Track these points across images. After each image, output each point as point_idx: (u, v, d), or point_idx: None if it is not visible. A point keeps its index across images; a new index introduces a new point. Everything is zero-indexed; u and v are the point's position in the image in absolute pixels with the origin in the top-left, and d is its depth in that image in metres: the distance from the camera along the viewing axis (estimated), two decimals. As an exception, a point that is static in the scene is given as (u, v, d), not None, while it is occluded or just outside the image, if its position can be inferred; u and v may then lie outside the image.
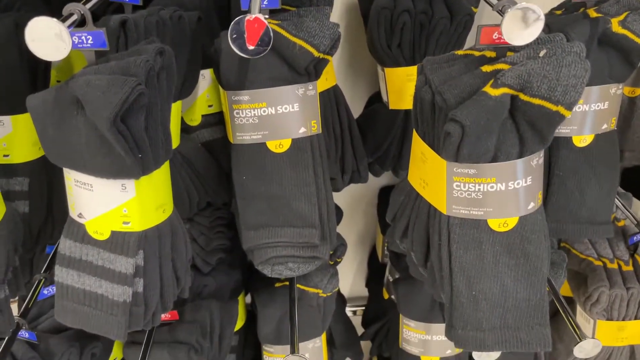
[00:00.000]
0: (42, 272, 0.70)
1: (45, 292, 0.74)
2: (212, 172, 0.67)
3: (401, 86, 0.69)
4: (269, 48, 0.42)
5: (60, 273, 0.52)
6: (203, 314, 0.68)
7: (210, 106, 0.66)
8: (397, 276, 0.87)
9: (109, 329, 0.52)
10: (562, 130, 0.57)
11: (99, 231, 0.50)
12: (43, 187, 0.63)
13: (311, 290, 0.73)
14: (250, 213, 0.58)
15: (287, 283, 0.75)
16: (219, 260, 0.73)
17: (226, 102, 0.56)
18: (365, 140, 0.72)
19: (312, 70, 0.55)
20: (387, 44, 0.66)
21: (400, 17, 0.61)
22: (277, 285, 0.75)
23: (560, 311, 0.58)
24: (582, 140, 0.58)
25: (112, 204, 0.49)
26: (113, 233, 0.50)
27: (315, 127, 0.58)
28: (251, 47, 0.42)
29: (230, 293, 0.76)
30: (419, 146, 0.50)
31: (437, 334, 0.79)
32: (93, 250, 0.51)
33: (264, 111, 0.56)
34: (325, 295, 0.74)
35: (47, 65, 0.64)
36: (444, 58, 0.49)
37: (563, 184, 0.59)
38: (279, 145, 0.57)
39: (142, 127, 0.45)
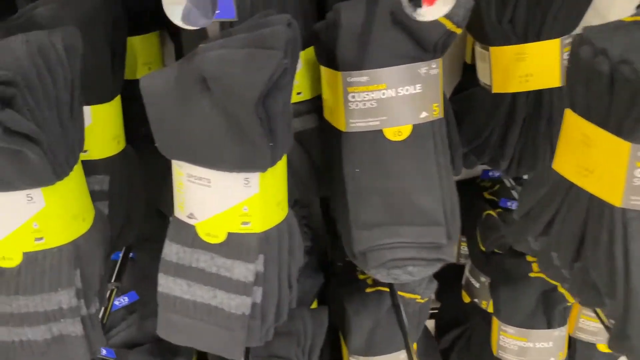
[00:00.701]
0: (112, 280, 0.64)
1: (116, 302, 0.67)
2: (304, 165, 0.60)
3: (509, 66, 0.62)
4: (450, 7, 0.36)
5: (166, 283, 0.46)
6: (297, 323, 0.61)
7: (299, 93, 0.59)
8: (482, 279, 0.81)
9: (225, 346, 0.45)
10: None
11: (213, 233, 0.44)
12: (123, 186, 0.57)
13: (408, 296, 0.66)
14: (364, 210, 0.52)
15: (380, 288, 0.68)
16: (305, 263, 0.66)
17: (339, 86, 0.50)
18: (461, 127, 0.66)
19: (439, 46, 0.48)
20: (497, 19, 0.59)
21: (517, -11, 0.55)
22: (368, 290, 0.68)
23: None
24: (397, 132, 0.50)
25: (231, 202, 0.42)
26: (230, 235, 0.44)
27: (437, 110, 0.51)
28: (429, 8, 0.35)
29: (313, 298, 0.70)
30: (579, 128, 0.44)
31: (539, 340, 0.72)
32: (205, 255, 0.44)
33: (384, 94, 0.49)
34: (422, 301, 0.68)
35: (124, 49, 0.57)
36: (610, 26, 0.43)
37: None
38: (397, 132, 0.50)
39: (280, 111, 0.38)
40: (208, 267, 0.44)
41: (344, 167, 0.52)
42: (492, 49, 0.62)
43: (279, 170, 0.44)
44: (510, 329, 0.73)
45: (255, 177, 0.41)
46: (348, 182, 0.52)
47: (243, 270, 0.43)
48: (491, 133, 0.67)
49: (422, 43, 0.48)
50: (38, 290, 0.43)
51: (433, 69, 0.50)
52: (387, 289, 0.67)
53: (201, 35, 0.48)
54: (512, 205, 0.81)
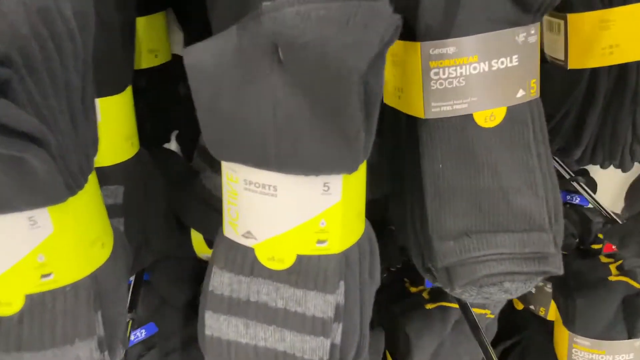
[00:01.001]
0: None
1: (132, 337, 0.56)
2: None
3: (590, 36, 0.52)
4: None
5: (216, 323, 0.35)
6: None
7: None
8: (540, 283, 0.71)
9: (295, 403, 0.35)
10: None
11: (279, 257, 0.33)
12: (140, 197, 0.46)
13: (478, 311, 0.56)
14: (449, 215, 0.42)
15: (443, 304, 0.58)
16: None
17: (416, 60, 0.39)
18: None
19: (544, 6, 0.38)
20: (580, -20, 0.49)
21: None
22: (428, 307, 0.58)
23: None
24: (490, 117, 0.40)
25: (305, 215, 0.32)
26: (301, 259, 0.33)
27: (534, 88, 0.41)
28: None
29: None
30: None
31: (619, 352, 0.63)
32: (269, 286, 0.34)
33: (474, 68, 0.39)
34: (492, 317, 0.58)
35: (133, 28, 0.46)
36: None
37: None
38: (490, 116, 0.40)
39: (380, 90, 0.28)
40: (272, 301, 0.34)
41: (423, 163, 0.41)
42: (570, 16, 0.52)
43: (362, 171, 0.33)
44: (586, 341, 0.64)
45: (337, 181, 0.31)
46: (428, 181, 0.42)
47: (320, 304, 0.33)
48: (564, 117, 0.57)
49: (524, 4, 0.38)
50: (48, 343, 0.32)
51: (532, 35, 0.40)
52: (451, 305, 0.57)
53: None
54: (573, 199, 0.72)
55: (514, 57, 0.39)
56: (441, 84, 0.39)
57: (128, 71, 0.45)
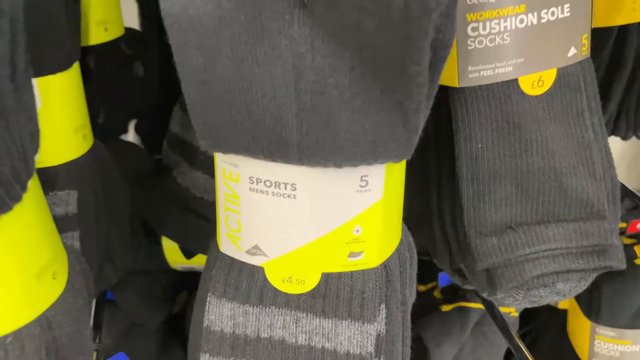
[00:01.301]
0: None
1: (97, 371, 0.46)
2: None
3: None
4: None
5: (216, 370, 0.26)
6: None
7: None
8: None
9: None
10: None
11: (298, 278, 0.25)
12: (99, 203, 0.36)
13: (503, 310, 0.49)
14: (491, 205, 0.34)
15: (461, 304, 0.51)
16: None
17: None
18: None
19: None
20: None
21: None
22: (444, 309, 0.51)
23: None
24: (538, 82, 0.33)
25: (335, 221, 0.23)
26: (328, 278, 0.25)
27: (586, 45, 0.34)
28: None
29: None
30: None
31: (646, 342, 0.58)
32: (286, 316, 0.25)
33: (522, 20, 0.31)
34: (516, 314, 0.51)
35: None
36: None
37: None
38: (538, 81, 0.33)
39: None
40: (292, 337, 0.25)
41: (459, 141, 0.33)
42: (595, -35, 0.45)
43: (404, 164, 0.25)
44: (611, 332, 0.58)
45: (379, 174, 0.23)
46: (464, 163, 0.34)
47: (356, 336, 0.25)
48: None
49: None
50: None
51: (584, -20, 0.32)
52: (470, 304, 0.50)
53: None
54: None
55: (566, 6, 0.32)
56: (481, 42, 0.31)
57: (74, 42, 0.35)
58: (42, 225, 0.25)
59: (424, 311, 0.51)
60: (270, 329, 0.25)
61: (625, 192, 0.60)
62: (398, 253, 0.27)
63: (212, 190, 0.37)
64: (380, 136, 0.20)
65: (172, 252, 0.47)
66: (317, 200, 0.23)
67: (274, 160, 0.22)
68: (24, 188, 0.23)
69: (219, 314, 0.26)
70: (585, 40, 0.34)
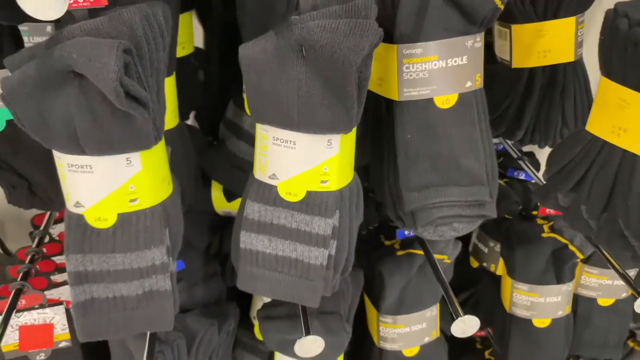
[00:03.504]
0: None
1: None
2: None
3: (529, 43, 0.68)
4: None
5: (248, 239, 0.49)
6: (340, 282, 0.65)
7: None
8: (491, 244, 0.87)
9: (303, 295, 0.49)
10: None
11: (294, 192, 0.48)
12: (181, 157, 0.60)
13: (437, 256, 0.71)
14: (414, 173, 0.56)
15: (411, 251, 0.73)
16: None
17: (393, 58, 0.54)
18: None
19: (486, 21, 0.53)
20: (520, 0, 0.65)
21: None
22: (399, 254, 0.73)
23: None
24: (445, 100, 0.55)
25: (313, 162, 0.46)
26: (309, 193, 0.48)
27: (479, 81, 0.56)
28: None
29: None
30: (615, 93, 0.50)
31: (549, 295, 0.79)
32: (286, 212, 0.48)
33: (435, 64, 0.54)
34: (448, 262, 0.73)
35: (177, 24, 0.60)
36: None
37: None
38: (446, 100, 0.55)
39: (368, 77, 0.43)
40: (288, 223, 0.48)
41: (397, 134, 0.56)
42: (514, 26, 0.68)
43: (353, 133, 0.48)
44: (524, 286, 0.79)
45: (336, 139, 0.46)
46: (400, 147, 0.56)
47: (322, 225, 0.48)
48: (509, 105, 0.73)
49: (471, 18, 0.53)
50: (133, 247, 0.46)
51: (477, 42, 0.55)
52: (416, 252, 0.72)
53: (268, 12, 0.52)
54: (519, 175, 0.88)
55: (464, 57, 0.54)
56: (410, 75, 0.54)
57: (174, 58, 0.59)
58: (165, 157, 0.48)
59: (385, 255, 0.74)
60: (278, 219, 0.48)
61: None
62: (349, 187, 0.50)
63: (249, 153, 0.60)
64: (335, 120, 0.43)
65: (217, 199, 0.71)
66: (305, 150, 0.46)
67: (285, 129, 0.45)
68: (162, 135, 0.46)
69: (252, 210, 0.49)
70: (478, 78, 0.56)
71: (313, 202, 0.48)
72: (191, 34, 0.75)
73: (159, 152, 0.47)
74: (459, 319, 0.57)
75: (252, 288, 0.50)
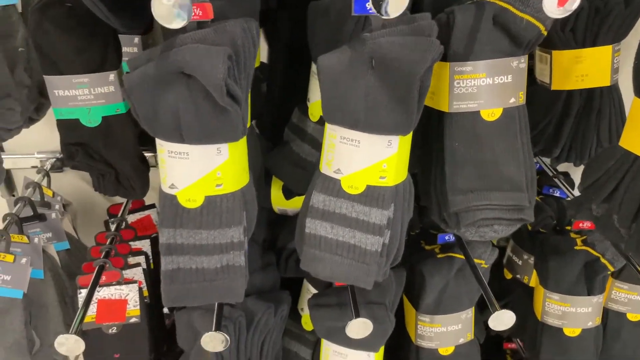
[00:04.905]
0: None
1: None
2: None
3: (568, 68, 0.74)
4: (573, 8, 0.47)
5: (313, 225, 0.56)
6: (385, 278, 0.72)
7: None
8: (525, 256, 0.92)
9: (358, 277, 0.56)
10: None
11: (355, 185, 0.55)
12: (252, 155, 0.67)
13: (476, 261, 0.77)
14: (460, 178, 0.63)
15: (450, 254, 0.79)
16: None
17: (445, 74, 0.61)
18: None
19: (530, 45, 0.60)
20: (561, 28, 0.71)
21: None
22: (439, 256, 0.79)
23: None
24: (491, 114, 0.61)
25: (374, 159, 0.53)
26: (369, 187, 0.55)
27: (522, 98, 0.63)
28: (559, 8, 0.47)
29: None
30: (646, 111, 0.55)
31: (580, 306, 0.83)
32: (347, 203, 0.55)
33: (483, 81, 0.60)
34: (485, 267, 0.79)
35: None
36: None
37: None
38: (491, 113, 0.62)
39: (428, 87, 0.50)
40: (349, 213, 0.55)
41: (446, 142, 0.63)
42: (554, 52, 0.74)
43: (409, 137, 0.55)
44: (556, 296, 0.84)
45: (396, 140, 0.53)
46: (448, 154, 0.63)
47: (379, 216, 0.54)
48: (547, 125, 0.79)
49: (517, 41, 0.59)
50: (217, 225, 0.54)
51: (522, 63, 0.61)
52: (456, 255, 0.78)
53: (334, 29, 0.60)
54: (554, 192, 0.93)
55: (509, 76, 0.61)
56: (460, 90, 0.61)
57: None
58: (246, 150, 0.56)
59: (426, 257, 0.80)
60: (340, 209, 0.55)
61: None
62: (403, 184, 0.56)
63: (312, 155, 0.68)
64: (396, 123, 0.50)
65: (276, 197, 0.78)
66: (368, 148, 0.53)
67: (352, 129, 0.52)
68: (245, 132, 0.54)
69: (317, 200, 0.56)
70: (521, 95, 0.62)
71: (372, 195, 0.54)
72: (258, 50, 0.83)
73: (243, 145, 0.54)
74: (495, 312, 0.63)
75: (313, 268, 0.57)
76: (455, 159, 0.63)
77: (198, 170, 0.52)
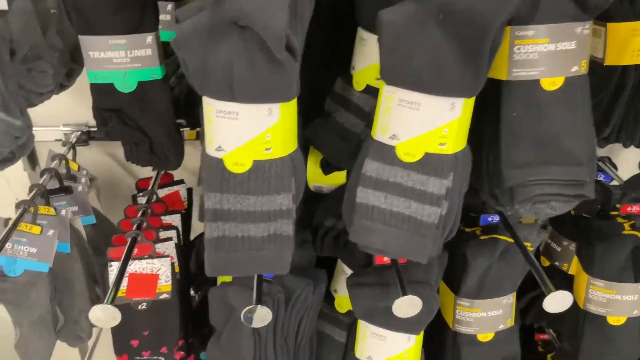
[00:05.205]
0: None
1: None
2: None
3: (624, 41, 0.70)
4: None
5: (364, 194, 0.53)
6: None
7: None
8: (564, 243, 0.88)
9: (413, 250, 0.53)
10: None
11: (412, 153, 0.51)
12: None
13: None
14: (516, 151, 0.59)
15: (494, 236, 0.76)
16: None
17: (505, 39, 0.57)
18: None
19: (597, 9, 0.56)
20: (619, -1, 0.67)
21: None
22: (482, 237, 0.76)
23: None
24: (552, 83, 0.57)
25: (435, 124, 0.50)
26: (427, 155, 0.51)
27: (584, 66, 0.59)
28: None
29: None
30: None
31: (626, 293, 0.80)
32: (402, 172, 0.52)
33: (545, 47, 0.57)
34: (532, 249, 0.75)
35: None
36: None
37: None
38: (552, 82, 0.58)
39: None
40: (404, 182, 0.52)
41: (502, 112, 0.59)
42: (609, 25, 0.70)
43: (473, 99, 0.51)
44: (601, 282, 0.80)
45: (460, 102, 0.49)
46: (504, 125, 0.59)
47: (437, 185, 0.51)
48: (599, 103, 0.75)
49: (583, 5, 0.56)
50: (265, 191, 0.50)
51: (586, 29, 0.58)
52: (500, 237, 0.75)
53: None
54: (599, 175, 0.89)
55: (573, 42, 0.57)
56: (520, 56, 0.57)
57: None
58: (296, 113, 0.52)
59: (469, 238, 0.76)
60: (395, 177, 0.52)
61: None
62: (462, 152, 0.53)
63: (356, 125, 0.64)
64: (464, 82, 0.47)
65: (313, 173, 0.75)
66: (428, 112, 0.49)
67: (413, 91, 0.49)
68: (298, 91, 0.50)
69: (370, 168, 0.53)
70: (584, 64, 0.59)
71: (430, 163, 0.51)
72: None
73: (293, 107, 0.51)
74: (551, 294, 0.59)
75: (365, 240, 0.53)
76: (512, 131, 0.59)
77: (247, 132, 0.49)
